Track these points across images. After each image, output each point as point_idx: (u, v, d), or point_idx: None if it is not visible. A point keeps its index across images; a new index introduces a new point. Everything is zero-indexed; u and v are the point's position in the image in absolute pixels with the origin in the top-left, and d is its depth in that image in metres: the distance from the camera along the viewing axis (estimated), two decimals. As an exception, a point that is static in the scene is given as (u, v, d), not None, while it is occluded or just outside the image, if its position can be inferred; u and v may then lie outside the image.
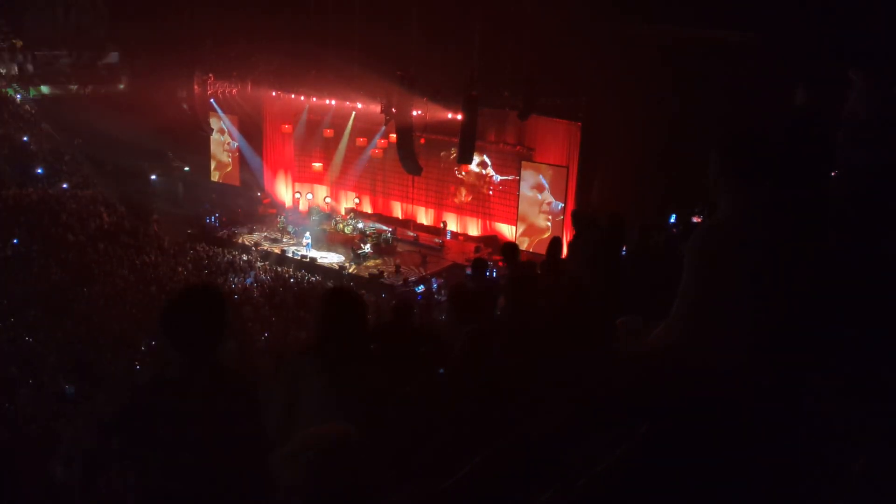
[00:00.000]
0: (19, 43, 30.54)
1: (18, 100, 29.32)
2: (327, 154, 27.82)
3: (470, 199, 25.43)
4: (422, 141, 23.48)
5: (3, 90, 29.25)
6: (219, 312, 3.24)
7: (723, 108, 14.16)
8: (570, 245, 7.97)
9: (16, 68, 30.48)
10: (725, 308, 2.69)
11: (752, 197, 2.73)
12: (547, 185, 22.66)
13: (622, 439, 2.76)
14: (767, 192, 2.77)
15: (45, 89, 30.44)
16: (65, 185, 26.10)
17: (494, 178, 24.61)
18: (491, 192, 24.86)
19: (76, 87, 30.41)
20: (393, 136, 23.64)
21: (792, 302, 2.62)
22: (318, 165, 28.01)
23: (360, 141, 26.43)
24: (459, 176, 25.31)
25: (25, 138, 27.56)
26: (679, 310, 2.81)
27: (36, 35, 30.03)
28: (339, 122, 26.79)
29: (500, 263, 15.03)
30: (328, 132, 27.09)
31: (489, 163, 24.64)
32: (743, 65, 14.71)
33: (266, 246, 25.08)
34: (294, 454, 2.12)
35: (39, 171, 26.28)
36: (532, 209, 23.02)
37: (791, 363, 2.63)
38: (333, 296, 3.48)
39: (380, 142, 25.63)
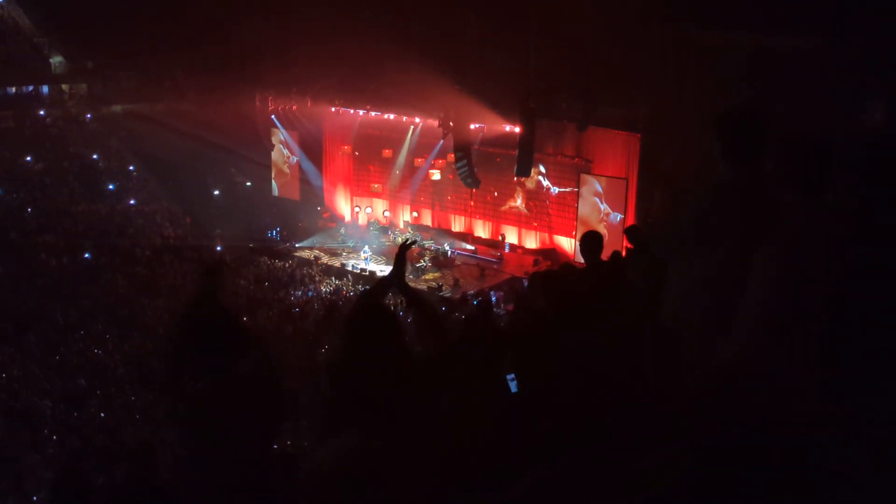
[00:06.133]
0: (89, 64, 31.60)
1: (88, 118, 30.29)
2: (385, 170, 28.00)
3: (525, 206, 25.24)
4: (479, 160, 23.45)
5: (74, 109, 30.27)
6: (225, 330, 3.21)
7: (788, 118, 13.79)
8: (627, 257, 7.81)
9: (86, 88, 31.54)
10: (802, 326, 2.60)
11: (822, 211, 2.65)
12: (603, 195, 22.42)
13: (685, 454, 2.68)
14: (836, 208, 2.68)
15: (115, 108, 31.39)
16: (132, 201, 26.82)
17: (552, 190, 24.44)
18: (548, 203, 24.65)
19: (143, 104, 31.26)
20: (450, 155, 23.74)
21: (872, 324, 2.52)
22: (376, 187, 28.25)
23: (418, 161, 26.56)
24: (516, 180, 25.15)
25: (95, 156, 28.44)
26: (748, 324, 2.71)
27: (105, 55, 30.96)
28: (396, 135, 26.94)
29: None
30: (387, 152, 27.29)
31: (545, 172, 24.45)
32: (813, 72, 14.29)
33: (326, 259, 25.33)
34: (320, 462, 2.06)
35: (111, 187, 27.09)
36: (593, 218, 22.66)
37: (865, 390, 2.53)
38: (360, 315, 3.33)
39: (437, 161, 25.72)
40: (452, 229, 27.08)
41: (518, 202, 25.29)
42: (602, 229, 22.58)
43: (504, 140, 23.23)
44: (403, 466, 1.86)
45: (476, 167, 23.06)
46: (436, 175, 26.08)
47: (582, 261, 6.86)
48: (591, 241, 6.03)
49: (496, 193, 25.72)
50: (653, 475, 2.67)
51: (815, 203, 2.67)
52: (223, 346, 3.18)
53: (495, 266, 24.48)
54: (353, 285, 23.09)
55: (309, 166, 28.85)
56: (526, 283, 5.08)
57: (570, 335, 4.15)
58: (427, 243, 25.01)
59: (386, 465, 1.88)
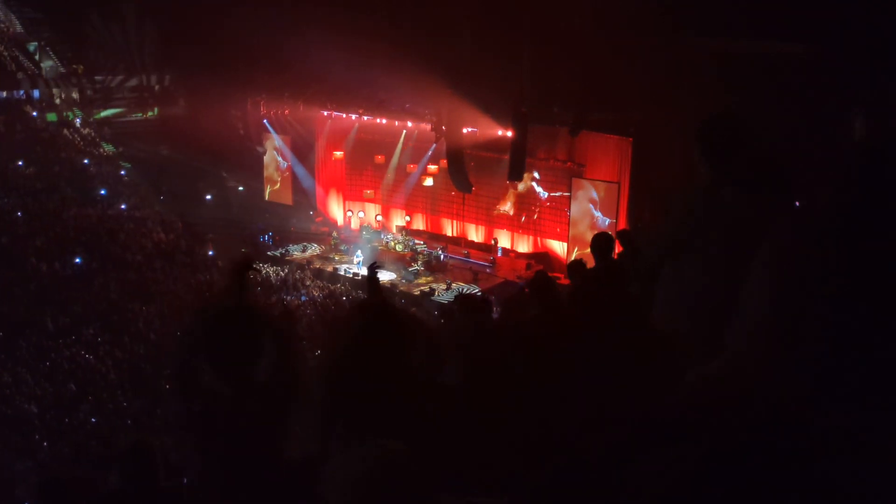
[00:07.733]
0: (80, 68, 31.54)
1: (79, 123, 30.20)
2: (378, 175, 28.01)
3: (512, 209, 25.19)
4: (472, 165, 23.50)
5: (65, 114, 30.18)
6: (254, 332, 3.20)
7: (781, 123, 13.86)
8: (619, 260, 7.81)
9: (77, 93, 31.47)
10: (796, 330, 2.60)
11: (814, 217, 2.65)
12: (598, 201, 22.40)
13: (680, 459, 2.67)
14: (830, 213, 2.68)
15: (105, 113, 31.33)
16: (123, 206, 26.74)
17: (542, 194, 24.41)
18: (538, 209, 24.62)
19: (135, 110, 31.23)
20: (443, 160, 23.73)
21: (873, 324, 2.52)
22: (369, 192, 28.27)
23: (411, 167, 26.59)
24: (508, 184, 25.10)
25: (86, 161, 28.35)
26: (746, 327, 2.72)
27: (95, 60, 30.93)
28: (389, 140, 26.96)
29: (566, 281, 14.75)
30: (379, 158, 27.32)
31: (538, 178, 24.43)
32: (804, 78, 14.34)
33: (318, 264, 25.28)
34: (342, 469, 2.04)
35: (103, 192, 26.99)
36: (584, 222, 22.63)
37: (867, 392, 2.53)
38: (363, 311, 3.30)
39: (429, 168, 25.71)
40: (445, 233, 27.07)
41: (507, 206, 25.24)
42: (591, 234, 22.53)
43: (496, 144, 23.23)
44: (427, 472, 1.85)
45: (468, 172, 23.06)
46: (428, 181, 26.07)
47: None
48: (604, 242, 6.07)
49: (489, 198, 25.71)
50: (651, 479, 2.67)
51: (812, 209, 2.67)
52: (245, 346, 3.13)
53: (488, 270, 24.47)
54: (345, 289, 23.05)
55: (301, 171, 28.82)
56: (524, 285, 5.07)
57: (577, 338, 4.15)
58: (420, 247, 24.99)
59: (411, 472, 1.87)
